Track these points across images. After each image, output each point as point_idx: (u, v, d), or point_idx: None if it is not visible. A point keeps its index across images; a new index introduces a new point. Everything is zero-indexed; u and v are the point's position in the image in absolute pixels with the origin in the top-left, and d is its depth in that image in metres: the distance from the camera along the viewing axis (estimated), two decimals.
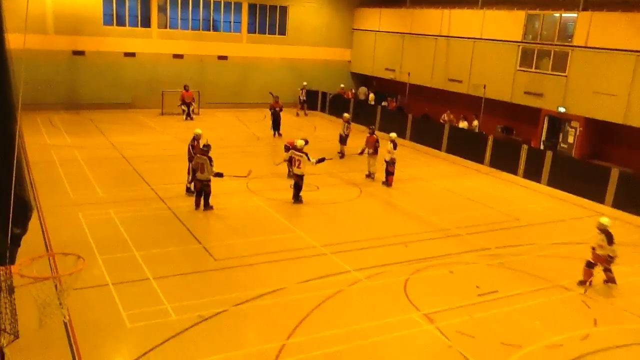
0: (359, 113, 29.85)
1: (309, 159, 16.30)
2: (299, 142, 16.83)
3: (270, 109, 25.99)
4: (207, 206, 15.44)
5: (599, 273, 12.23)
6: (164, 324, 9.53)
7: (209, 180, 15.25)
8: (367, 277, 11.93)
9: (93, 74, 28.48)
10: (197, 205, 15.45)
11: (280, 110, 25.71)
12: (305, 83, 32.76)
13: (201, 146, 15.91)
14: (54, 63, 27.35)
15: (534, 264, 13.22)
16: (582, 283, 12.22)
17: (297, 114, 31.30)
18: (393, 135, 19.02)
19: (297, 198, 16.55)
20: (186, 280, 11.30)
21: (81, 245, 12.11)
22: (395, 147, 18.72)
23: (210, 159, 15.16)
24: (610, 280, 12.21)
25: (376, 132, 20.56)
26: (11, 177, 6.44)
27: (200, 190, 15.40)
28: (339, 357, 9.01)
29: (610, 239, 11.85)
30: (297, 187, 16.53)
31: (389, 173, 18.93)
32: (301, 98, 31.95)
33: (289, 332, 9.56)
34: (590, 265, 12.21)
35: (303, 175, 16.49)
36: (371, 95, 33.09)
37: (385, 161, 18.93)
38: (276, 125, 25.61)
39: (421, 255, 13.24)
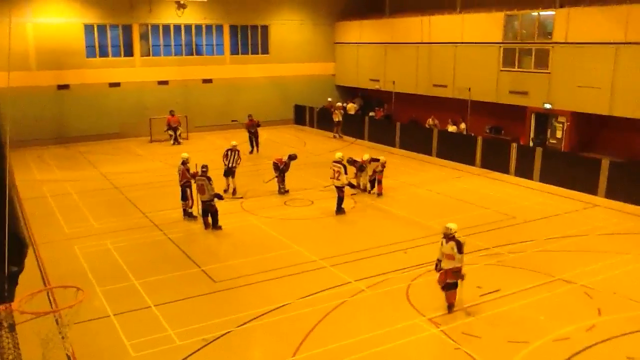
0: (347, 126, 30.01)
1: (346, 172, 16.83)
2: (338, 154, 17.36)
3: (246, 129, 25.96)
4: (216, 226, 15.56)
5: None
6: (168, 350, 9.46)
7: (212, 200, 15.37)
8: (369, 287, 11.91)
9: (79, 107, 28.46)
10: (206, 225, 15.61)
11: (258, 126, 25.87)
12: (331, 99, 32.83)
13: (192, 169, 16.12)
14: (39, 98, 27.33)
15: (534, 260, 13.25)
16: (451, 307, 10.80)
17: (335, 137, 29.67)
18: (366, 156, 18.85)
19: (339, 209, 16.89)
20: (188, 304, 11.23)
21: (79, 278, 12.03)
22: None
23: (209, 179, 15.33)
24: (450, 306, 10.76)
25: (363, 142, 20.59)
26: (4, 216, 6.42)
27: (206, 211, 15.50)
28: None
29: (460, 247, 10.54)
30: (339, 199, 16.90)
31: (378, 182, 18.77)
32: (335, 119, 29.94)
33: (295, 348, 9.51)
34: (448, 287, 10.70)
35: (343, 187, 16.87)
36: (350, 105, 33.02)
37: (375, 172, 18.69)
38: (253, 143, 25.85)
39: (421, 261, 13.24)
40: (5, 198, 6.51)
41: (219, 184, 16.40)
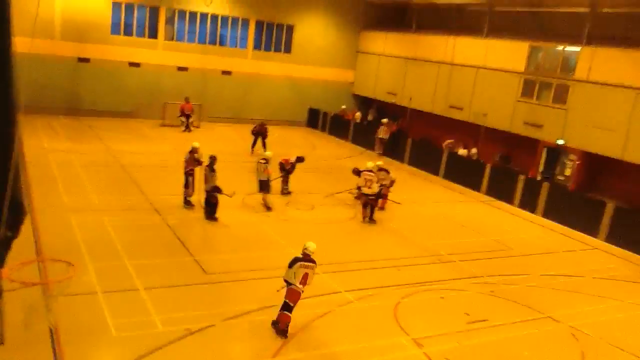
0: (359, 135, 30.06)
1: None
2: (369, 164, 17.63)
3: (254, 133, 25.24)
4: (212, 216, 15.64)
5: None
6: (150, 335, 9.47)
7: (212, 191, 15.46)
8: (358, 299, 11.89)
9: (96, 81, 28.59)
10: (206, 215, 15.72)
11: (266, 132, 25.24)
12: (345, 107, 33.26)
13: (197, 159, 16.25)
14: (59, 68, 27.46)
15: (525, 294, 13.20)
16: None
17: (378, 154, 27.32)
18: (370, 164, 17.95)
19: (370, 218, 17.21)
20: (175, 292, 11.25)
21: (72, 251, 12.06)
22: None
23: (212, 171, 15.47)
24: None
25: (372, 153, 20.57)
26: (7, 180, 6.46)
27: (208, 201, 15.61)
28: None
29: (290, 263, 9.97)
30: (371, 207, 17.15)
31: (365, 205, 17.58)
32: (380, 136, 28.38)
33: (276, 350, 9.51)
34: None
35: (374, 195, 17.11)
36: (357, 114, 33.04)
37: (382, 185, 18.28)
38: (256, 144, 25.10)
39: (413, 280, 13.22)
40: (12, 162, 6.55)
41: (225, 179, 16.35)
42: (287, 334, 9.92)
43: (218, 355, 9.22)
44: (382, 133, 28.36)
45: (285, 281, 10.00)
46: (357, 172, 18.87)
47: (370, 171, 17.41)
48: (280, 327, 9.95)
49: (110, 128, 26.45)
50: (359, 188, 18.14)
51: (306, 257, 10.01)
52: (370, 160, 18.81)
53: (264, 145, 24.68)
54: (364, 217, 17.31)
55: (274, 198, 18.09)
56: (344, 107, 33.50)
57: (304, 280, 9.90)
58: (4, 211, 6.61)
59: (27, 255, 10.67)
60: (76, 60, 28.09)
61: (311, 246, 10.08)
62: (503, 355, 10.36)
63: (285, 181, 19.00)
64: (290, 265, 9.95)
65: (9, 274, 6.62)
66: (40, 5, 26.28)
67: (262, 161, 17.39)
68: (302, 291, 10.00)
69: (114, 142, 23.71)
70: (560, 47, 23.74)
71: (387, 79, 32.75)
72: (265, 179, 17.28)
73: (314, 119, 33.95)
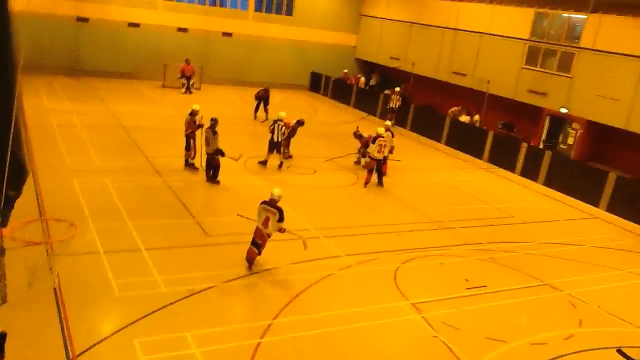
0: (361, 100, 29.85)
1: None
2: (380, 129, 17.50)
3: (257, 97, 24.61)
4: (215, 180, 15.68)
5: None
6: (152, 295, 9.55)
7: (215, 154, 15.43)
8: (358, 263, 11.97)
9: (96, 42, 28.23)
10: (208, 178, 15.72)
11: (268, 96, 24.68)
12: (347, 71, 32.63)
13: (197, 121, 16.19)
14: (57, 27, 27.08)
15: (525, 262, 13.28)
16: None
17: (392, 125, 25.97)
18: (380, 129, 17.50)
19: (380, 182, 17.45)
20: (178, 253, 11.31)
21: (74, 211, 12.09)
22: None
23: (214, 133, 15.41)
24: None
25: (375, 119, 20.46)
26: (8, 140, 6.39)
27: (209, 164, 15.61)
28: (324, 339, 9.07)
29: (281, 215, 10.62)
30: (380, 172, 17.43)
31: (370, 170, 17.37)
32: (391, 105, 26.98)
33: (276, 312, 9.60)
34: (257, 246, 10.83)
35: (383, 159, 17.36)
36: (362, 79, 32.75)
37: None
38: (258, 109, 24.58)
39: (413, 245, 13.29)
40: (12, 121, 6.48)
41: (227, 141, 16.26)
42: (252, 267, 10.87)
43: (220, 316, 9.32)
44: (394, 102, 26.98)
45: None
46: (359, 136, 18.79)
47: (382, 137, 17.25)
48: (246, 258, 10.91)
49: (111, 89, 26.23)
50: (365, 155, 18.20)
51: (271, 202, 10.68)
52: (379, 126, 18.47)
53: (265, 110, 24.41)
54: (366, 183, 17.27)
55: (276, 161, 18.02)
56: (345, 71, 33.17)
57: (265, 223, 10.64)
58: (6, 170, 6.56)
59: (30, 214, 10.69)
60: (75, 20, 27.68)
61: (276, 191, 10.81)
62: (501, 321, 10.47)
63: (286, 145, 18.92)
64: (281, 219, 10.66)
65: (11, 233, 6.61)
66: None
67: (280, 122, 17.66)
68: (267, 234, 10.71)
69: (115, 103, 23.54)
70: (566, 14, 23.35)
71: (390, 44, 32.33)
72: (278, 140, 17.56)
73: (316, 83, 33.67)
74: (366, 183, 17.33)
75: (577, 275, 12.96)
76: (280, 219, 10.61)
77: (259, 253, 10.92)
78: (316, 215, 14.31)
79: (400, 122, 26.57)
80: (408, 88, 31.02)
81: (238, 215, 12.25)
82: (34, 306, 8.62)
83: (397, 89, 27.36)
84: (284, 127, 17.72)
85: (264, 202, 10.78)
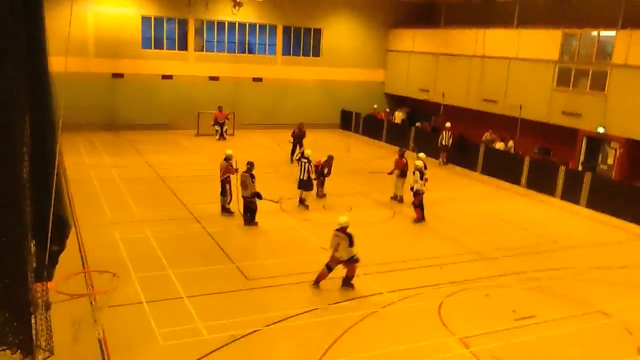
0: (392, 134, 29.85)
1: (421, 178, 16.97)
2: (419, 162, 17.35)
3: (294, 136, 24.68)
4: (252, 222, 15.80)
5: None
6: (196, 342, 9.55)
7: (252, 197, 15.59)
8: (401, 300, 11.76)
9: (131, 96, 29.19)
10: (246, 221, 15.85)
11: (304, 135, 24.69)
12: (376, 106, 32.88)
13: (232, 165, 16.44)
14: (94, 85, 28.13)
15: (573, 289, 12.84)
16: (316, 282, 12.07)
17: (440, 164, 25.45)
18: (419, 163, 17.24)
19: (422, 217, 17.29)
20: (219, 299, 11.33)
21: (117, 263, 12.27)
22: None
23: (252, 177, 15.60)
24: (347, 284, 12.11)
25: (408, 153, 20.36)
26: (51, 195, 6.59)
27: (247, 207, 15.73)
28: None
29: (351, 240, 11.77)
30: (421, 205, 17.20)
31: (415, 206, 17.15)
32: (443, 142, 25.62)
33: (321, 354, 9.47)
34: (330, 268, 12.01)
35: (419, 193, 17.11)
36: (398, 114, 32.81)
37: (411, 189, 17.34)
38: (295, 151, 24.21)
39: (456, 278, 13.01)
40: (54, 178, 6.70)
41: (263, 184, 16.40)
42: (318, 285, 11.97)
43: None
44: (446, 139, 25.49)
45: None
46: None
47: (419, 170, 17.03)
48: (317, 277, 12.04)
49: (147, 141, 26.92)
50: (391, 172, 19.00)
51: (341, 229, 11.83)
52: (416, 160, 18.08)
53: (301, 146, 23.99)
54: (420, 219, 17.19)
55: (311, 202, 18.06)
56: (375, 106, 33.34)
57: (337, 248, 11.80)
58: (50, 225, 6.75)
59: (73, 268, 10.90)
60: (110, 76, 28.73)
61: (342, 219, 11.98)
62: (553, 352, 10.08)
63: (320, 184, 18.97)
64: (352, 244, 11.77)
65: (55, 286, 6.76)
66: (73, 25, 26.95)
67: (305, 160, 17.89)
68: (339, 258, 11.85)
69: (152, 154, 24.12)
70: (594, 33, 23.11)
71: (418, 76, 32.45)
72: (307, 178, 17.69)
73: (347, 121, 33.89)
74: (420, 219, 17.20)
75: (629, 300, 12.44)
76: (351, 244, 11.71)
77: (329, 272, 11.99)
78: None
79: (426, 150, 25.72)
80: (438, 120, 30.93)
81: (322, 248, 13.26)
82: (80, 358, 8.70)
83: (448, 124, 25.86)
84: (307, 165, 17.77)
85: (336, 230, 11.86)
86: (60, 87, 7.23)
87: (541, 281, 13.19)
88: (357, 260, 11.94)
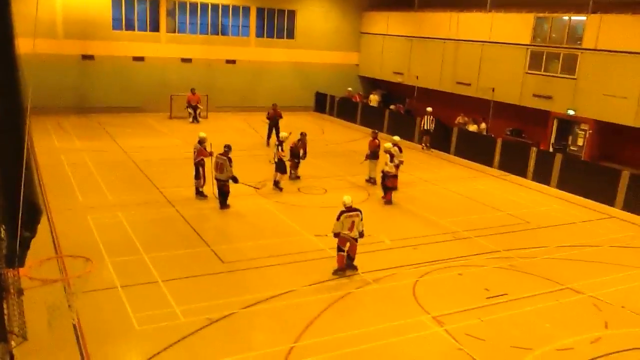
0: (367, 117, 29.91)
1: (391, 160, 17.22)
2: (387, 145, 17.64)
3: (268, 119, 24.38)
4: (225, 205, 15.73)
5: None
6: (172, 326, 9.54)
7: (227, 180, 15.56)
8: (376, 280, 11.89)
9: (102, 78, 28.65)
10: (221, 204, 15.81)
11: (280, 117, 24.25)
12: (351, 89, 32.92)
13: (207, 149, 16.32)
14: (63, 67, 27.52)
15: (544, 267, 13.13)
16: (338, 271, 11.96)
17: (423, 149, 25.49)
18: (388, 145, 17.59)
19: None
20: (195, 283, 11.30)
21: (90, 248, 12.14)
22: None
23: (229, 160, 15.51)
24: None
25: (382, 134, 20.44)
26: (20, 181, 6.48)
27: (221, 190, 15.66)
28: (347, 359, 8.98)
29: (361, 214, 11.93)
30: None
31: (387, 188, 17.33)
32: (425, 127, 25.43)
33: (297, 335, 9.54)
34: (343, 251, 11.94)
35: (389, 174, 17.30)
36: (373, 97, 32.90)
37: (382, 172, 17.51)
38: (272, 134, 23.88)
39: (430, 258, 13.19)
40: (23, 163, 6.58)
41: (239, 168, 16.30)
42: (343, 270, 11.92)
43: (241, 343, 9.27)
44: (427, 124, 25.22)
45: (335, 234, 11.75)
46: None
47: (387, 152, 17.37)
48: (339, 266, 11.90)
49: (119, 124, 26.52)
50: (366, 157, 19.13)
51: (349, 209, 11.74)
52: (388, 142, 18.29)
53: (277, 128, 23.48)
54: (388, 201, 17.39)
55: (286, 184, 18.06)
56: (350, 89, 33.34)
57: (352, 227, 11.67)
58: (20, 212, 6.64)
59: (46, 254, 10.76)
60: (80, 58, 28.15)
61: (347, 199, 11.89)
62: (525, 328, 10.32)
63: (294, 166, 18.95)
64: (338, 218, 11.68)
65: (28, 272, 6.67)
66: (41, 5, 26.29)
67: (277, 142, 18.15)
68: (354, 237, 11.77)
69: (124, 137, 23.78)
70: (566, 17, 23.39)
71: (392, 59, 32.49)
72: (279, 160, 17.79)
73: (322, 104, 33.84)
74: (388, 201, 17.35)
75: (598, 277, 12.79)
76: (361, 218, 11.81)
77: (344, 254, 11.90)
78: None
79: (400, 133, 23.89)
80: (413, 103, 31.09)
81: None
82: (55, 343, 8.62)
83: (429, 109, 25.54)
84: (278, 147, 17.86)
85: (343, 212, 11.70)
86: (28, 70, 7.07)
87: (513, 260, 13.46)
88: (362, 235, 12.04)
